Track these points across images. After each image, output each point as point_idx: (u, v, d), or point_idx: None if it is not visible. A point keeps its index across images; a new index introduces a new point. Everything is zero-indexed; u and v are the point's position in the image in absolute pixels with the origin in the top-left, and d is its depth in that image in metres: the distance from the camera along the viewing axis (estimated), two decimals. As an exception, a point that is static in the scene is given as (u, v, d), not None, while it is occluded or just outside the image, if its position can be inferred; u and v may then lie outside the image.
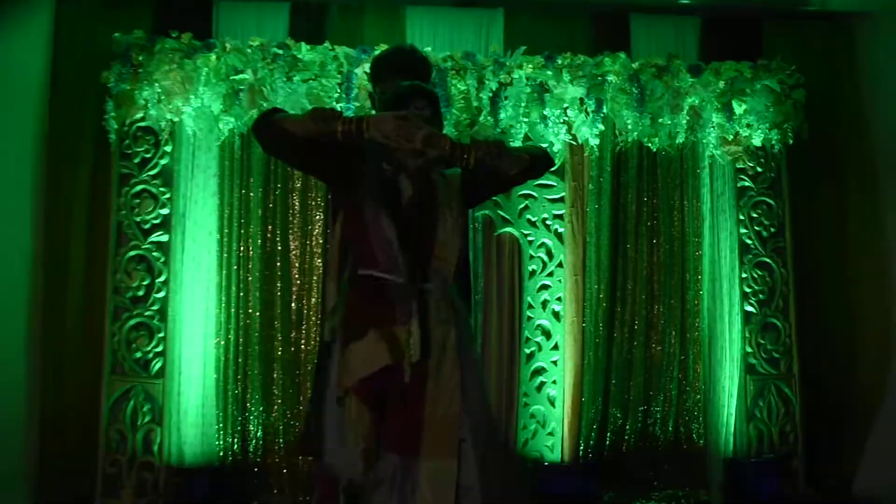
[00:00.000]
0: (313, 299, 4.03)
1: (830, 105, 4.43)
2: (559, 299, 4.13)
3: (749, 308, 4.25)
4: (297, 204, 4.09)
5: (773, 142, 4.25)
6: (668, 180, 4.27)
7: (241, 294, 4.01)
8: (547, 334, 4.14)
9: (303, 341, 4.04)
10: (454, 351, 2.18)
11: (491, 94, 3.98)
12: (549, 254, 4.17)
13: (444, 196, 2.30)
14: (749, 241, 4.28)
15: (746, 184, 4.30)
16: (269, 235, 4.07)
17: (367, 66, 3.86)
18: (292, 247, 4.08)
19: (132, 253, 3.91)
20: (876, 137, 4.34)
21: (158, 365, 3.86)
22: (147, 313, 3.89)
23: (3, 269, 3.76)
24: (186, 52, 3.86)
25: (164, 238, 3.92)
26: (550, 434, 4.08)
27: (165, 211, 3.93)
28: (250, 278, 4.02)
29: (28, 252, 3.86)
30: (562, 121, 4.05)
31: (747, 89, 4.19)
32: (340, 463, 2.17)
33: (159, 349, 3.87)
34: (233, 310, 3.99)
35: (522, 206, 4.18)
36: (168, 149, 3.94)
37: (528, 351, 4.12)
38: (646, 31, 4.41)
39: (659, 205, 4.27)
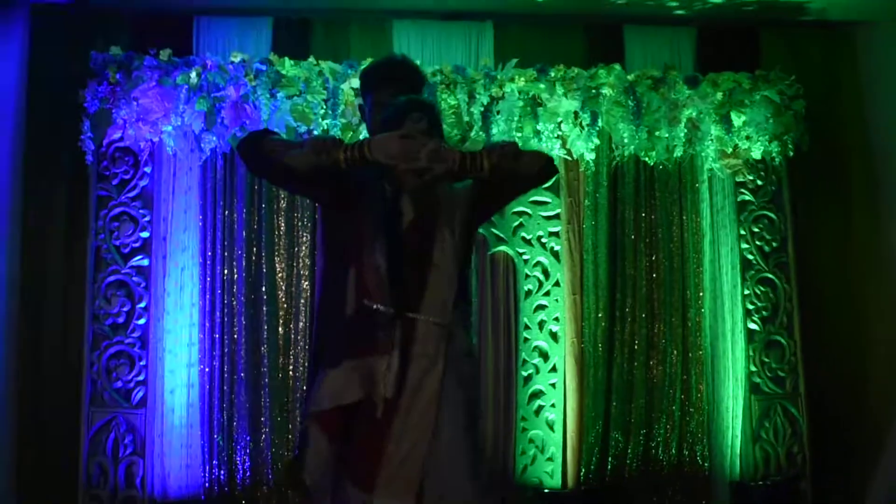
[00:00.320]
0: (301, 323, 3.91)
1: (831, 116, 4.34)
2: (556, 319, 4.04)
3: (752, 325, 4.14)
4: (282, 225, 3.97)
5: (774, 154, 4.15)
6: (667, 195, 4.16)
7: (226, 319, 3.89)
8: (545, 356, 4.03)
9: (290, 367, 3.91)
10: (434, 388, 2.03)
11: (482, 109, 3.88)
12: (546, 273, 4.07)
13: (447, 215, 2.15)
14: (751, 257, 4.18)
15: (747, 197, 4.20)
16: (254, 258, 3.95)
17: (353, 82, 3.79)
18: (278, 269, 3.96)
19: (111, 278, 3.81)
20: (877, 147, 4.23)
21: (140, 394, 3.76)
22: (128, 341, 3.78)
23: (-23, 296, 3.63)
24: (166, 69, 3.74)
25: (145, 262, 3.82)
26: (550, 459, 3.96)
27: (146, 234, 3.83)
28: (235, 302, 3.90)
29: (2, 278, 3.71)
30: (556, 135, 3.96)
31: (746, 100, 4.09)
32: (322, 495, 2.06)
33: (141, 378, 3.77)
34: (217, 335, 3.87)
35: (517, 223, 4.08)
36: (147, 170, 3.84)
37: (525, 374, 4.01)
38: (640, 42, 4.29)
39: (657, 220, 4.15)
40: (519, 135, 3.92)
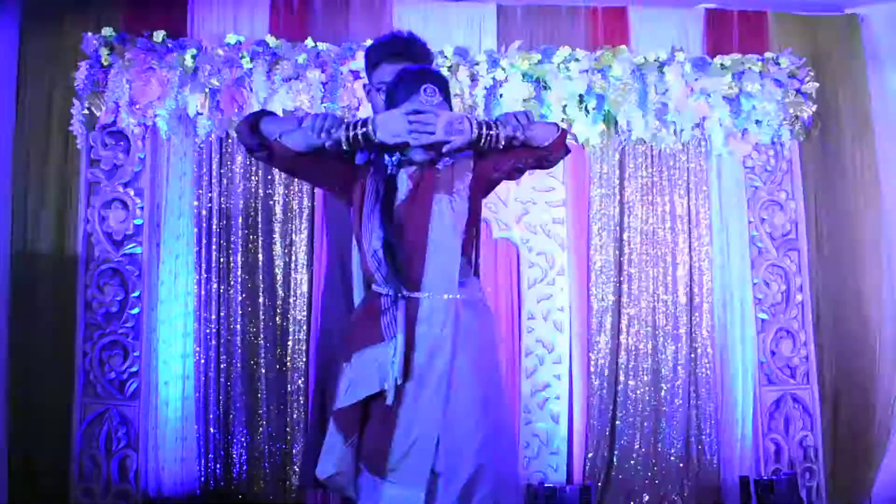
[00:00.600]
0: (300, 315, 3.81)
1: (841, 99, 4.23)
2: (561, 309, 3.94)
3: (762, 315, 4.04)
4: (280, 212, 3.86)
5: (784, 138, 4.06)
6: (675, 181, 4.06)
7: (222, 309, 3.80)
8: (549, 347, 3.93)
9: (288, 358, 3.81)
10: (443, 369, 1.93)
11: (485, 92, 3.78)
12: (550, 261, 3.97)
13: (445, 186, 2.03)
14: (760, 244, 4.08)
15: (756, 183, 4.11)
16: (251, 245, 3.85)
17: (352, 65, 3.71)
18: (276, 258, 3.85)
19: (104, 266, 3.72)
20: (882, 133, 4.14)
21: (134, 386, 3.68)
22: (121, 331, 3.70)
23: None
24: (159, 51, 3.65)
25: (138, 250, 3.73)
26: (554, 453, 3.88)
27: (139, 221, 3.74)
28: (231, 292, 3.80)
29: (-8, 268, 3.63)
30: (561, 119, 3.86)
31: (756, 84, 3.99)
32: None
33: (134, 369, 3.68)
34: (213, 326, 3.78)
35: (521, 209, 3.98)
36: (141, 155, 3.75)
37: (529, 365, 3.91)
38: (646, 24, 4.18)
39: (664, 207, 4.06)
40: (522, 109, 3.80)
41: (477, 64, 3.82)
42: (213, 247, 3.80)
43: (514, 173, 2.15)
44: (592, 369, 3.93)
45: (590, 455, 3.89)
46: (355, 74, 3.72)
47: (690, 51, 4.09)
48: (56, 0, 3.85)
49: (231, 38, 3.71)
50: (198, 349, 3.75)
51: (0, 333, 3.67)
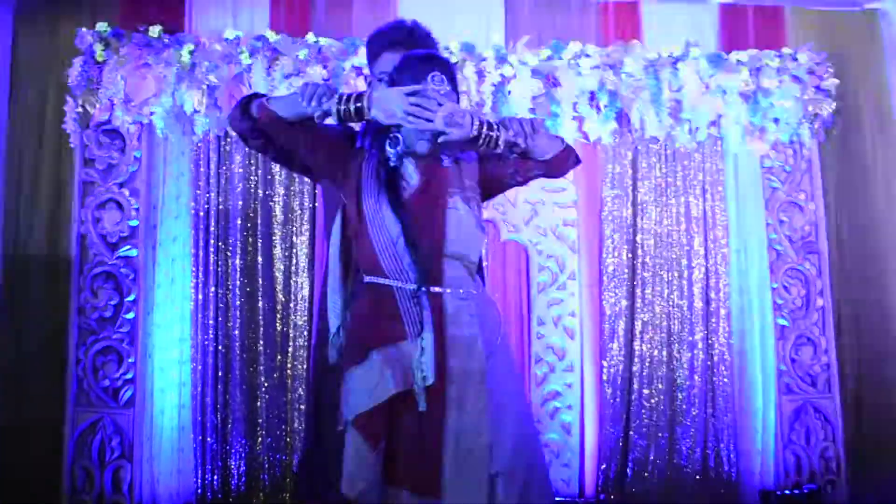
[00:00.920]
0: (301, 320, 3.69)
1: (861, 97, 4.11)
2: (573, 315, 3.82)
3: (782, 321, 3.91)
4: (281, 213, 3.74)
5: (803, 137, 3.93)
6: (690, 181, 3.93)
7: (220, 314, 3.68)
8: (560, 354, 3.81)
9: (289, 366, 3.69)
10: (481, 373, 1.85)
11: (493, 89, 3.66)
12: (561, 264, 3.85)
13: (456, 183, 1.95)
14: (779, 248, 3.95)
15: (774, 184, 3.98)
16: (249, 248, 3.73)
17: (355, 60, 3.60)
18: (276, 261, 3.73)
19: (98, 269, 3.61)
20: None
21: (128, 394, 3.56)
22: (115, 336, 3.58)
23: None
24: (156, 46, 3.54)
25: (134, 252, 3.61)
26: (566, 465, 3.75)
27: (134, 223, 3.63)
28: (230, 296, 3.68)
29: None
30: (572, 117, 3.75)
31: (773, 80, 3.86)
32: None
33: (129, 376, 3.57)
34: (210, 331, 3.66)
35: (530, 211, 3.86)
36: (136, 153, 3.64)
37: (539, 373, 3.79)
38: (658, 19, 4.07)
39: (679, 208, 3.93)
40: (531, 116, 3.68)
41: (484, 59, 3.71)
42: (211, 249, 3.69)
43: (515, 181, 2.07)
44: (605, 378, 3.80)
45: (603, 468, 3.76)
46: (358, 70, 3.61)
47: (705, 46, 3.98)
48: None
49: (229, 34, 3.60)
50: (195, 355, 3.63)
51: (-9, 339, 3.56)
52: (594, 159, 3.89)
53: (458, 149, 1.97)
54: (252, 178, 3.74)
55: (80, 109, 3.54)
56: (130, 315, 3.57)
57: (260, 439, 3.63)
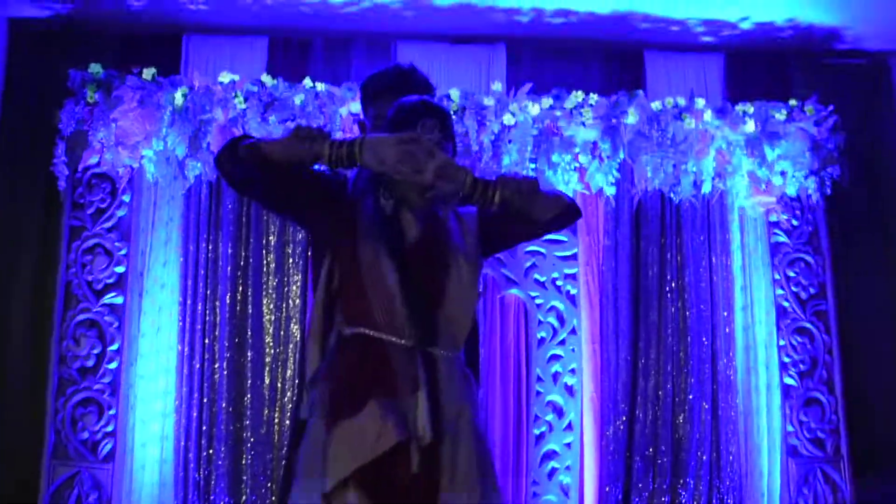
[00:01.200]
0: (289, 371, 3.57)
1: (869, 150, 4.07)
2: (573, 371, 3.72)
3: (789, 381, 3.80)
4: (272, 261, 3.65)
5: (810, 191, 3.86)
6: (694, 235, 3.86)
7: (207, 365, 3.57)
8: (559, 412, 3.70)
9: (276, 420, 3.56)
10: (470, 432, 1.76)
11: (493, 137, 3.58)
12: (561, 319, 3.76)
13: (456, 239, 1.85)
14: (786, 304, 3.85)
15: (781, 239, 3.90)
16: (239, 297, 3.63)
17: (353, 107, 3.53)
18: (266, 311, 3.63)
19: (82, 316, 3.51)
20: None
21: (108, 447, 3.45)
22: (97, 387, 3.48)
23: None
24: (148, 89, 3.48)
25: (119, 300, 3.53)
26: (564, 530, 3.57)
27: (121, 269, 3.55)
28: (217, 347, 3.58)
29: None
30: (573, 167, 3.69)
31: (780, 132, 3.80)
32: None
33: (109, 429, 3.46)
34: (196, 384, 3.55)
35: (529, 263, 3.78)
36: (126, 198, 3.57)
37: (537, 432, 3.67)
38: (662, 69, 4.06)
39: (684, 263, 3.84)
40: (532, 165, 3.64)
41: (485, 108, 3.64)
42: (199, 298, 3.59)
43: (518, 239, 2.00)
44: (605, 438, 3.67)
45: (603, 532, 3.60)
46: (356, 117, 3.52)
47: (710, 97, 3.93)
48: (45, 37, 3.75)
49: (224, 77, 3.54)
50: (179, 408, 3.51)
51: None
52: (595, 210, 3.81)
53: (453, 203, 1.84)
54: (243, 224, 3.65)
55: (69, 152, 3.47)
56: (113, 365, 3.48)
57: (244, 497, 3.49)
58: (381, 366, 1.74)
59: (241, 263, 3.63)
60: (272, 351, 3.59)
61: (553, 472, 3.64)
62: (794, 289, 3.85)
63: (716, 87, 4.03)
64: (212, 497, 3.48)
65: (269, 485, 3.50)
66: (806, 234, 3.89)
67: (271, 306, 3.62)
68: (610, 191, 3.72)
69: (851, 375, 3.85)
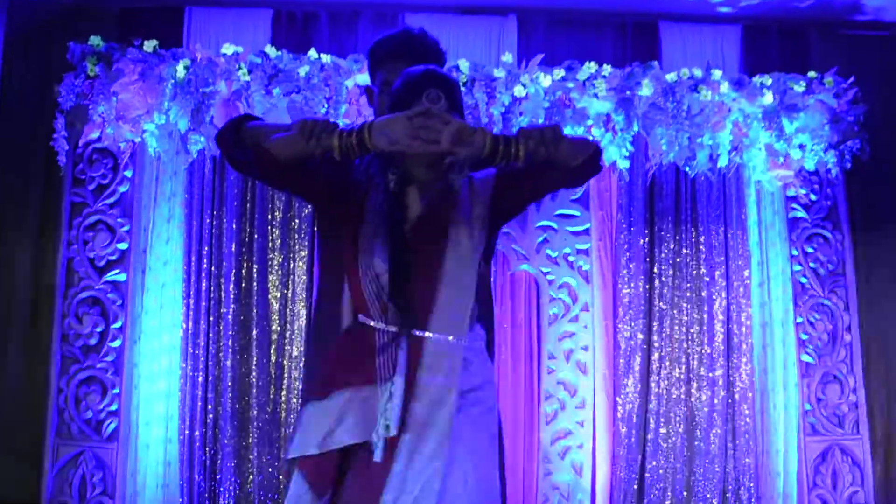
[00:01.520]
0: (295, 350, 3.52)
1: (890, 124, 3.95)
2: (585, 349, 3.65)
3: (806, 358, 3.71)
4: (278, 237, 3.59)
5: (830, 165, 3.75)
6: (710, 209, 3.77)
7: (211, 344, 3.52)
8: (571, 390, 3.64)
9: (283, 400, 3.53)
10: (445, 424, 1.65)
11: (503, 110, 3.50)
12: (573, 295, 3.69)
13: (462, 210, 1.77)
14: (804, 280, 3.76)
15: (799, 214, 3.80)
16: (244, 274, 3.57)
17: (359, 78, 3.45)
18: (272, 288, 3.57)
19: (84, 294, 3.46)
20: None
21: (112, 426, 3.42)
22: (100, 365, 3.44)
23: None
24: (150, 61, 3.40)
25: (122, 277, 3.47)
26: (577, 509, 3.54)
27: (124, 245, 3.49)
28: (222, 325, 3.53)
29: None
30: (586, 140, 3.54)
31: (799, 104, 3.70)
32: None
33: (113, 408, 3.43)
34: (201, 362, 3.50)
35: (541, 239, 3.71)
36: (128, 173, 3.51)
37: (549, 410, 3.61)
38: (678, 41, 3.96)
39: (699, 238, 3.76)
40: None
41: (495, 80, 3.55)
42: (203, 275, 3.54)
43: (540, 196, 1.87)
44: (619, 415, 3.62)
45: (616, 511, 3.56)
46: (362, 90, 3.44)
47: (727, 68, 3.83)
48: (46, 11, 3.67)
49: (227, 49, 3.45)
50: (183, 387, 3.47)
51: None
52: (609, 185, 3.74)
53: (471, 168, 1.80)
54: (248, 200, 3.59)
55: (69, 127, 3.41)
56: (116, 343, 3.43)
57: (251, 477, 3.47)
58: (367, 353, 1.69)
59: (246, 240, 3.58)
60: (278, 329, 3.55)
61: (566, 450, 3.59)
62: (812, 265, 3.76)
63: (733, 59, 3.92)
64: (218, 476, 3.46)
65: (275, 464, 3.46)
66: (825, 208, 3.80)
67: (277, 283, 3.57)
68: (624, 164, 3.63)
69: (871, 353, 3.78)
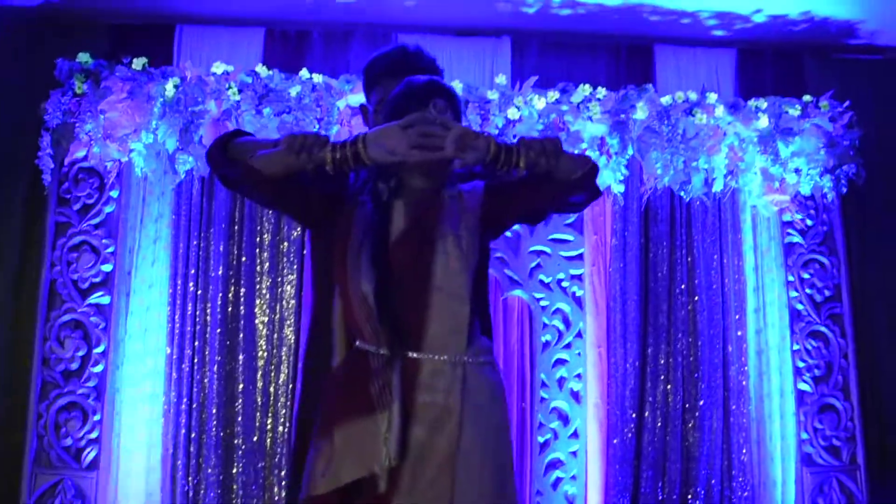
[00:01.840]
0: (282, 376, 3.42)
1: (885, 148, 3.91)
2: (578, 377, 3.59)
3: (803, 386, 3.67)
4: (266, 261, 3.50)
5: (825, 190, 3.71)
6: (705, 235, 3.72)
7: (196, 369, 3.42)
8: (564, 419, 3.57)
9: (269, 427, 3.41)
10: (447, 446, 1.58)
11: (497, 132, 3.45)
12: (567, 321, 3.63)
13: (449, 222, 1.69)
14: (800, 307, 3.73)
15: (795, 239, 3.77)
16: (231, 298, 3.48)
17: (351, 99, 3.40)
18: (259, 312, 3.48)
19: (66, 317, 3.38)
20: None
21: (92, 454, 3.32)
22: (81, 391, 3.34)
23: None
24: (138, 79, 3.33)
25: (106, 300, 3.39)
26: (569, 541, 3.44)
27: (108, 267, 3.41)
28: (208, 350, 3.43)
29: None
30: (580, 164, 3.49)
31: (794, 129, 3.67)
32: None
33: (94, 435, 3.33)
34: (185, 388, 3.40)
35: (534, 264, 3.65)
36: (114, 193, 3.44)
37: (541, 440, 3.53)
38: (673, 63, 3.92)
39: (695, 263, 3.70)
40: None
41: (488, 102, 3.50)
42: (189, 298, 3.44)
43: (532, 213, 1.81)
44: (612, 446, 3.52)
45: (609, 544, 3.46)
46: (354, 111, 3.39)
47: (722, 92, 3.80)
48: (33, 27, 3.60)
49: (218, 68, 3.39)
50: (167, 413, 3.36)
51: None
52: (603, 209, 3.67)
53: (469, 176, 1.76)
54: (236, 222, 3.51)
55: (55, 145, 3.32)
56: (99, 368, 3.34)
57: (236, 507, 3.34)
58: (363, 381, 1.62)
59: (234, 263, 3.48)
60: (265, 354, 3.44)
61: (558, 481, 3.50)
62: (808, 291, 3.72)
63: (728, 82, 3.90)
64: (201, 506, 3.34)
65: (261, 494, 3.35)
66: (821, 234, 3.77)
67: (265, 308, 3.47)
68: (618, 188, 3.58)
69: (868, 381, 3.71)
